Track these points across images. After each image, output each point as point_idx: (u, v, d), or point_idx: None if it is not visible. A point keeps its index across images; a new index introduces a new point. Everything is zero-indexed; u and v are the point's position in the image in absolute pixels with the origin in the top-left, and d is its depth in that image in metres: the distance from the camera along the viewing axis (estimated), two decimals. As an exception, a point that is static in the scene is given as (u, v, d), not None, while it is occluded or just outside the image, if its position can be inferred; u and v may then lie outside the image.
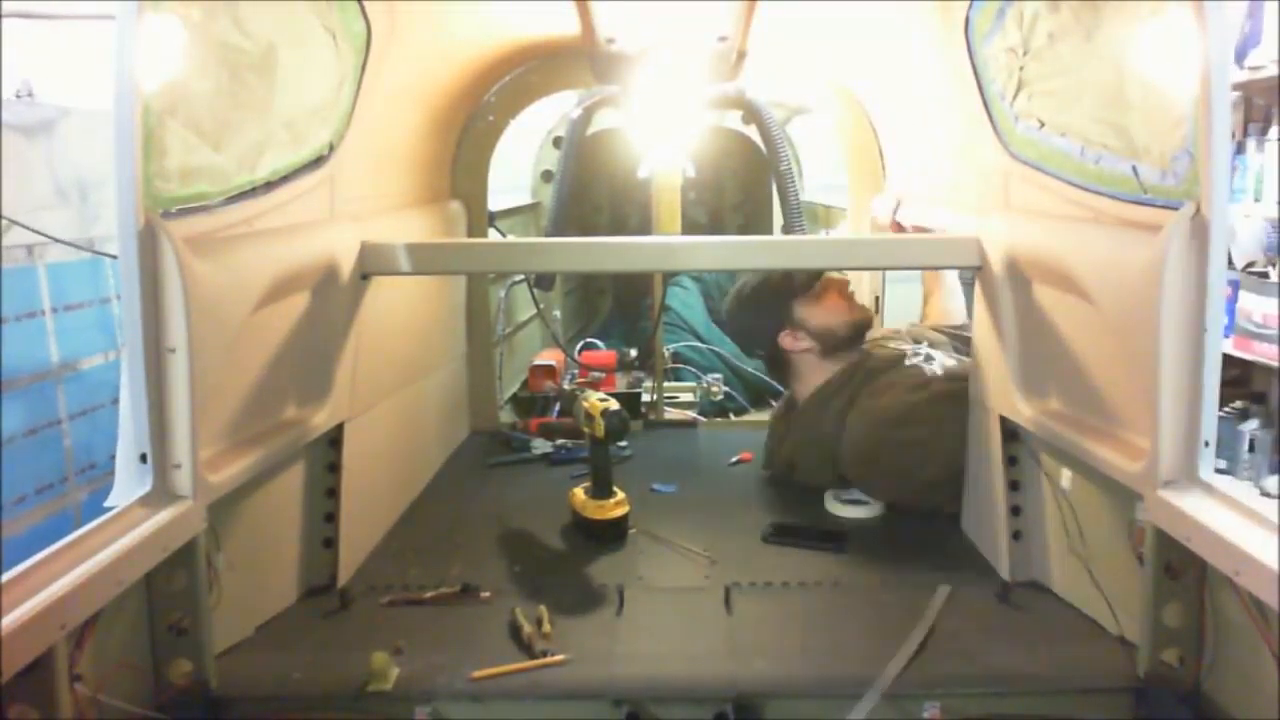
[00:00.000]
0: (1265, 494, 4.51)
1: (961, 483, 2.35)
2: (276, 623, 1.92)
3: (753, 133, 4.01)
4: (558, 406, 3.65)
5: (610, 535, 2.33)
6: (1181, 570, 1.56)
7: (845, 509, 2.50)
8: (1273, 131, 4.54)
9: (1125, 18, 1.56)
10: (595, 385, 3.86)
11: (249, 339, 1.75)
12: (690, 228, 4.43)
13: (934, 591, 1.98)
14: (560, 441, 3.09)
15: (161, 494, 1.54)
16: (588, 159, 4.51)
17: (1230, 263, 4.35)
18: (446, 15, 2.39)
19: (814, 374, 2.69)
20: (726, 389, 4.38)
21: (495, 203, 3.43)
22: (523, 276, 3.94)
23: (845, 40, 2.81)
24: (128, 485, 1.53)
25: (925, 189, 2.71)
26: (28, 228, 3.23)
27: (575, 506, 2.40)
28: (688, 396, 4.27)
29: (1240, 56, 4.47)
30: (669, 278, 4.65)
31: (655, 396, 3.70)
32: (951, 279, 3.20)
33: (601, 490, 2.36)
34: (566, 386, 3.33)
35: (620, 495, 2.37)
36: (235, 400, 1.75)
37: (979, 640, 1.79)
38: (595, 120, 3.79)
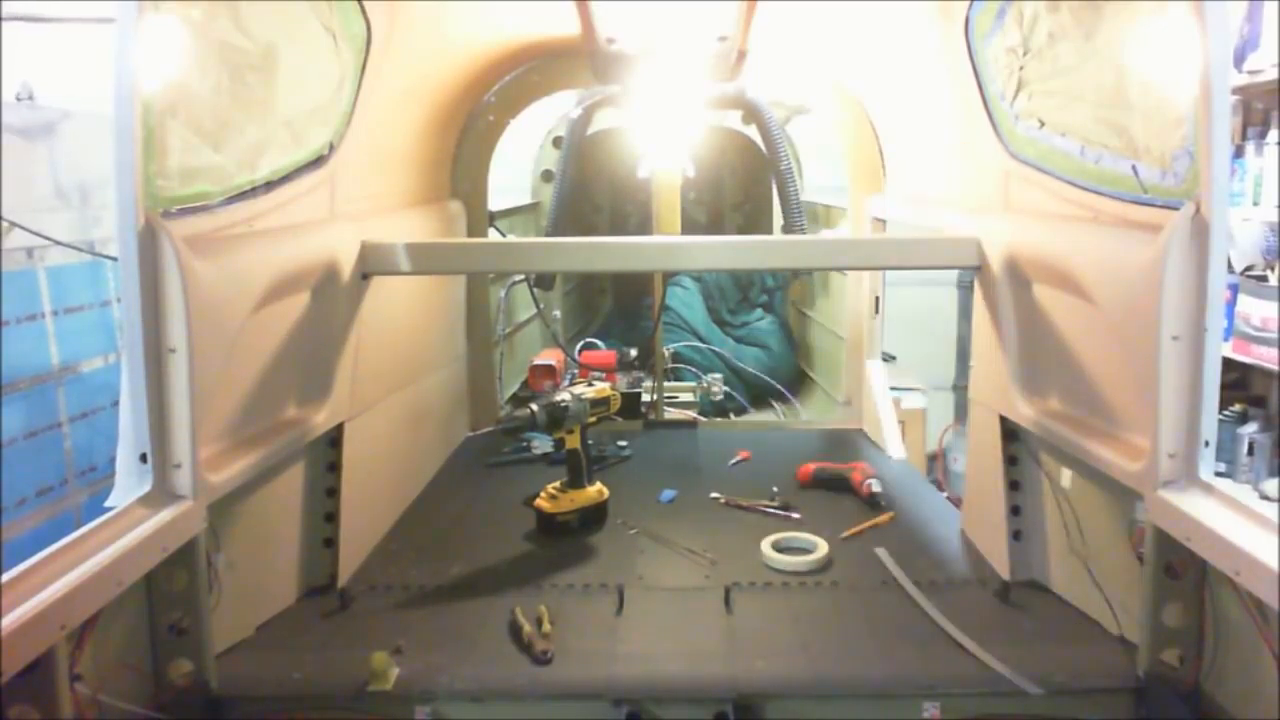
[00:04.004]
0: (1265, 497, 4.50)
1: None
2: (276, 623, 1.92)
3: (753, 133, 4.02)
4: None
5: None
6: (1181, 570, 1.56)
7: (782, 558, 2.20)
8: (1271, 135, 4.53)
9: (1125, 18, 1.56)
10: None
11: (249, 339, 1.75)
12: (690, 228, 4.44)
13: (930, 590, 1.99)
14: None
15: (161, 494, 1.53)
16: (588, 159, 4.51)
17: (1229, 266, 4.34)
18: (446, 15, 2.39)
19: None
20: (726, 389, 4.37)
21: (495, 203, 3.42)
22: (523, 276, 3.94)
23: (845, 40, 2.81)
24: (128, 485, 1.53)
25: (925, 189, 2.71)
26: (28, 230, 3.23)
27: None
28: (688, 396, 4.27)
29: (1239, 60, 4.46)
30: (669, 278, 4.65)
31: (655, 396, 3.70)
32: None
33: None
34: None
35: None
36: (235, 400, 1.75)
37: (979, 640, 1.79)
38: (595, 120, 3.79)
